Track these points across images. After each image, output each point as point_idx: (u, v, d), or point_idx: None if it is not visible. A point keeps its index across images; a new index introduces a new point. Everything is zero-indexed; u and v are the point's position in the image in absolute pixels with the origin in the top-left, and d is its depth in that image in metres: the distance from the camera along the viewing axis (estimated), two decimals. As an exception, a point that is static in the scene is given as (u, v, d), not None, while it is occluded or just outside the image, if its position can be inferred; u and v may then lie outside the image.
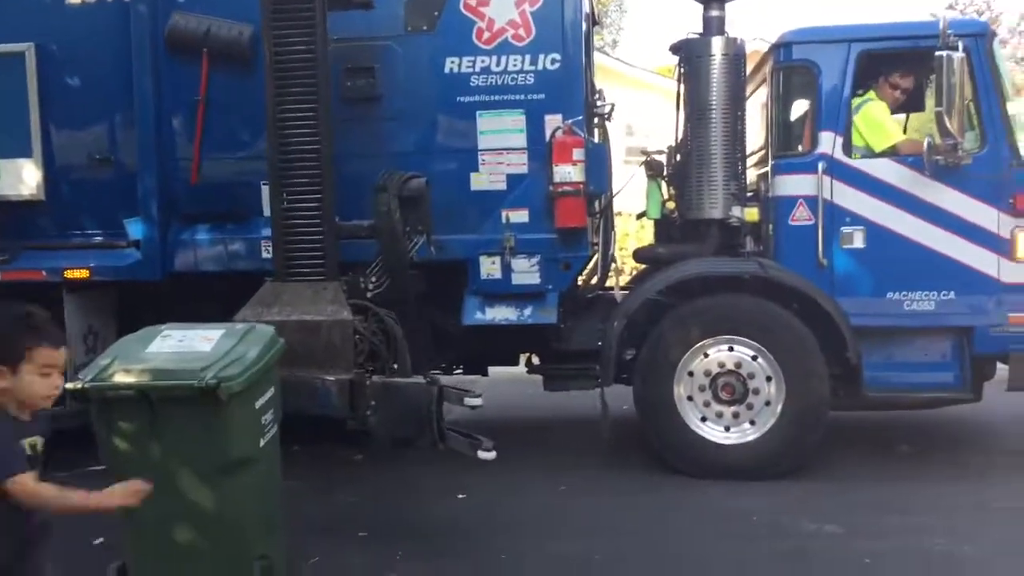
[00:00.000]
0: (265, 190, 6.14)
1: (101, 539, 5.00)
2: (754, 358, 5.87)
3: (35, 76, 6.13)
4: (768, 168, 6.22)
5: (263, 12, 5.53)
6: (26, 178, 6.21)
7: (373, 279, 5.73)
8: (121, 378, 3.80)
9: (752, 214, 6.18)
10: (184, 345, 4.03)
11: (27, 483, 2.71)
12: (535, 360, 6.89)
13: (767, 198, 6.20)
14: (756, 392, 5.88)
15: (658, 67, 17.75)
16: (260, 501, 4.08)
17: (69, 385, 3.83)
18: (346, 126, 5.91)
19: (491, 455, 4.94)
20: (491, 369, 7.38)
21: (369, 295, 5.68)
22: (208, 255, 6.28)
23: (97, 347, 6.53)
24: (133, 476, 3.87)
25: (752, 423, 5.90)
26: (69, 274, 6.17)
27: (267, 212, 6.19)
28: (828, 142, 5.97)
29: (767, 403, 5.87)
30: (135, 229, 6.17)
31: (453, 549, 4.88)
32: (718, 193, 6.28)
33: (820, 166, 5.91)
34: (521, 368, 7.33)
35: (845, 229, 5.93)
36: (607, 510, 5.51)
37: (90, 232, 6.40)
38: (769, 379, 5.85)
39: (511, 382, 9.10)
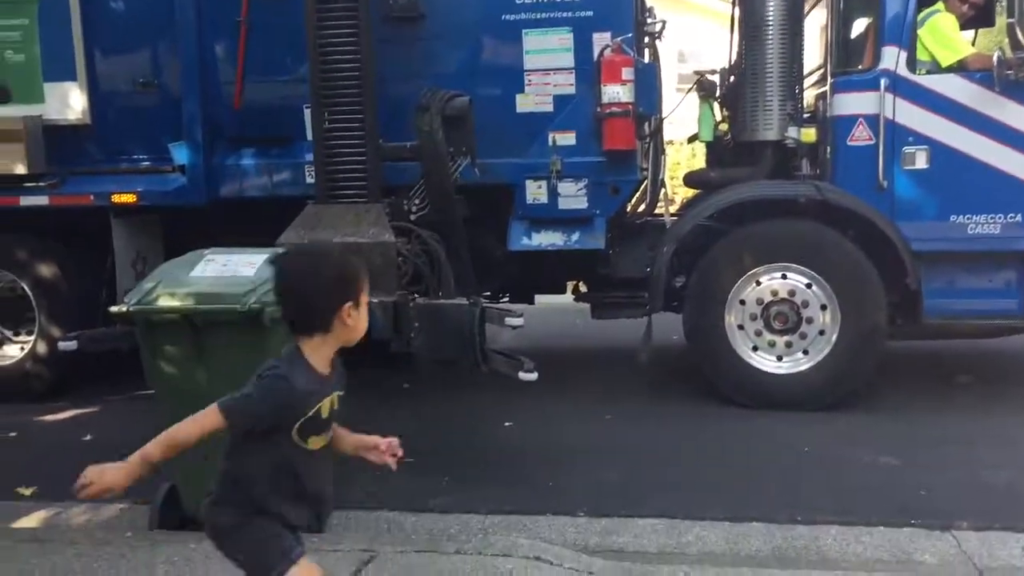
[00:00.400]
0: (308, 113, 6.04)
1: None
2: (808, 286, 5.69)
3: (77, -2, 6.06)
4: (826, 87, 5.94)
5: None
6: (72, 102, 6.20)
7: (416, 201, 5.61)
8: (165, 302, 3.80)
9: (809, 135, 5.92)
10: (227, 269, 4.00)
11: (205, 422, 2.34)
12: (582, 288, 6.79)
13: (825, 118, 5.93)
14: (810, 321, 5.71)
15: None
16: None
17: (114, 308, 3.84)
18: (388, 46, 5.75)
19: (533, 376, 4.83)
20: (537, 297, 7.30)
21: (412, 218, 5.58)
22: (252, 180, 6.23)
23: (145, 273, 6.56)
24: (178, 398, 3.89)
25: (805, 353, 5.74)
26: (116, 199, 6.17)
27: (310, 136, 6.10)
28: (891, 57, 5.65)
29: (821, 332, 5.70)
30: (180, 154, 6.13)
31: (499, 476, 4.85)
32: (773, 114, 6.03)
33: (882, 83, 5.61)
34: (568, 297, 7.25)
35: (907, 149, 5.64)
36: (654, 439, 5.43)
37: (136, 157, 6.38)
38: (824, 307, 5.67)
39: (557, 311, 9.05)
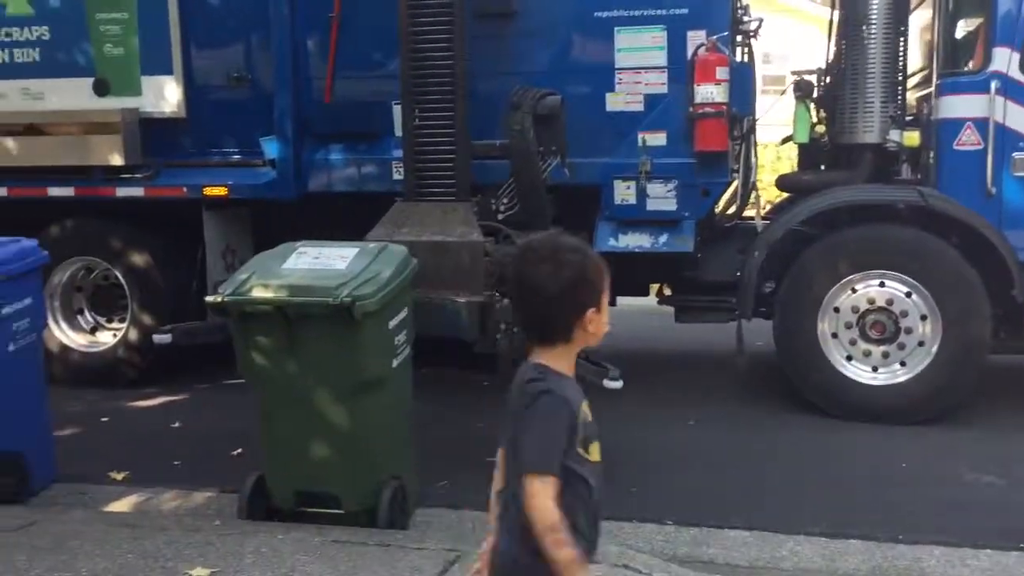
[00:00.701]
0: (397, 110, 6.05)
1: (239, 450, 5.13)
2: (908, 295, 5.48)
3: (176, -7, 6.17)
4: (931, 88, 5.72)
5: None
6: (168, 95, 6.31)
7: (504, 201, 5.56)
8: (259, 293, 3.82)
9: (912, 138, 5.70)
10: (319, 262, 4.02)
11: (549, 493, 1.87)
12: (666, 291, 6.66)
13: (929, 121, 5.70)
14: (909, 331, 5.50)
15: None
16: (392, 422, 4.10)
17: (209, 298, 3.88)
18: (479, 43, 5.69)
19: (618, 384, 4.72)
20: (619, 299, 7.19)
21: (500, 217, 5.53)
22: (341, 175, 6.27)
23: (235, 264, 6.67)
24: (269, 389, 3.92)
25: (903, 364, 5.53)
26: (208, 191, 6.27)
27: (399, 132, 6.11)
28: (1003, 59, 5.40)
29: (920, 343, 5.49)
30: (271, 148, 6.19)
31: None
32: (874, 116, 5.83)
33: (993, 85, 5.36)
34: (650, 299, 7.13)
35: (1018, 155, 5.39)
36: (740, 447, 5.29)
37: (228, 150, 6.48)
38: (924, 318, 5.46)
39: (636, 313, 8.92)
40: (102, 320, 6.80)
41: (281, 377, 3.86)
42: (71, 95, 6.38)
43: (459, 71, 5.35)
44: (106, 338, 6.70)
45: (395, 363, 4.04)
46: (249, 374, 3.94)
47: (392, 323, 3.99)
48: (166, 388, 6.53)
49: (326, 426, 3.86)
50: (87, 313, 6.80)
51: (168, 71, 6.28)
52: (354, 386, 3.84)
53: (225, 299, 3.82)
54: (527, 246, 2.01)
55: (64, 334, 6.61)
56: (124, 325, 6.59)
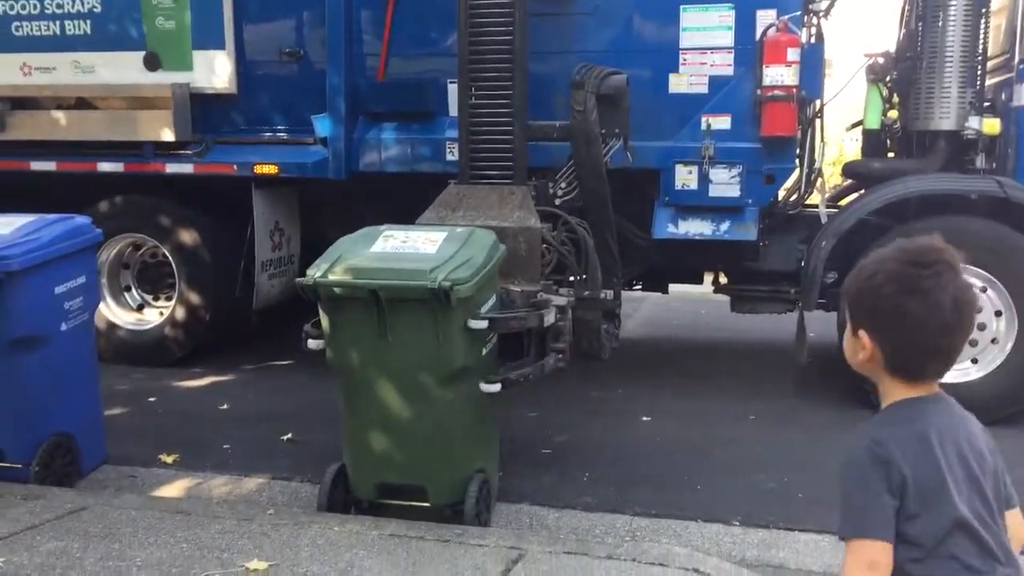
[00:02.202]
0: (452, 89, 5.90)
1: (289, 434, 5.04)
2: (983, 290, 5.25)
3: (229, -35, 6.03)
4: (1012, 74, 5.45)
5: None
6: (219, 70, 6.19)
7: (563, 185, 5.37)
8: (349, 277, 3.69)
9: (992, 126, 5.45)
10: (408, 246, 3.89)
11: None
12: (722, 279, 6.47)
13: (1009, 108, 5.44)
14: (982, 327, 5.27)
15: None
16: (480, 412, 3.96)
17: (299, 280, 3.77)
18: (537, 21, 5.51)
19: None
20: (672, 287, 7.02)
21: (557, 202, 5.35)
22: (392, 155, 6.12)
23: (283, 244, 6.59)
24: (356, 376, 3.77)
25: (974, 361, 5.31)
26: (259, 169, 6.16)
27: (453, 112, 5.96)
28: (1091, 44, 5.14)
29: (994, 340, 5.27)
30: (322, 126, 6.06)
31: (642, 476, 4.61)
32: (951, 102, 5.58)
33: (1080, 72, 5.11)
34: (703, 287, 6.95)
35: (1106, 146, 5.14)
36: (801, 444, 5.10)
37: (278, 128, 6.36)
38: (999, 313, 5.24)
39: (683, 300, 8.75)
40: (148, 298, 6.74)
41: (369, 363, 3.73)
42: (122, 69, 6.27)
43: (519, 47, 5.15)
44: (153, 316, 6.64)
45: (484, 351, 3.90)
46: (335, 359, 3.81)
47: (483, 309, 3.85)
48: (212, 368, 6.46)
49: (414, 415, 3.74)
50: (134, 290, 6.75)
51: (220, 46, 6.16)
52: (445, 374, 3.70)
53: (316, 281, 3.69)
54: (954, 264, 1.62)
55: (111, 311, 6.55)
56: (171, 303, 6.52)
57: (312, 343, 3.89)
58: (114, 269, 6.63)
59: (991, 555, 1.61)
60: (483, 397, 3.89)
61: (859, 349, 1.69)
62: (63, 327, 4.21)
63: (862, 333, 1.67)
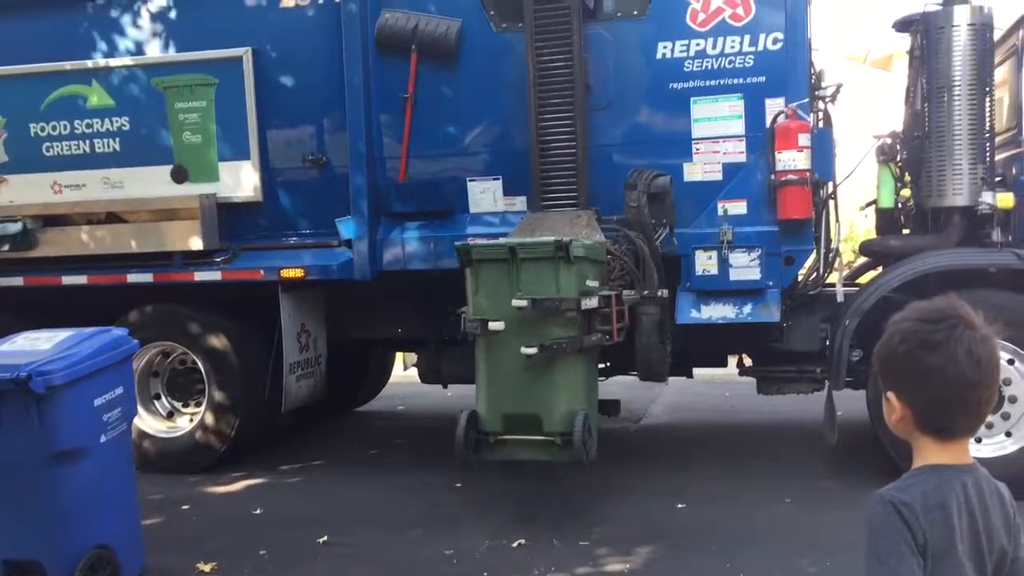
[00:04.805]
0: (472, 186, 6.10)
1: (325, 537, 5.03)
2: (1010, 362, 5.26)
3: (252, 79, 6.25)
4: (1021, 148, 5.56)
5: (527, 28, 5.81)
6: (244, 180, 6.37)
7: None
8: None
9: (1006, 200, 5.54)
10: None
11: None
12: (747, 361, 6.49)
13: (1021, 182, 5.54)
14: (1013, 400, 5.27)
15: (847, 55, 16.87)
16: (584, 367, 5.05)
17: (458, 244, 5.16)
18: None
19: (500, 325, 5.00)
20: (696, 371, 7.03)
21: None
22: (415, 253, 6.24)
23: (310, 345, 6.67)
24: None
25: (1008, 435, 5.29)
26: (285, 273, 6.28)
27: (473, 209, 6.12)
28: (1097, 116, 5.26)
29: (1026, 413, 5.24)
30: (346, 228, 6.20)
31: (683, 563, 4.57)
32: (963, 178, 5.68)
33: (1088, 144, 5.21)
34: (728, 370, 6.96)
35: (1120, 214, 5.21)
36: (839, 525, 5.02)
37: (303, 232, 6.49)
38: (1029, 385, 5.23)
39: (707, 383, 8.75)
40: (178, 405, 6.78)
41: (507, 343, 4.84)
42: (150, 183, 6.47)
43: (579, 84, 5.75)
44: (183, 423, 6.67)
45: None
46: (475, 316, 4.90)
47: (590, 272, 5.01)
48: (244, 472, 6.47)
49: (534, 362, 4.80)
50: (164, 398, 6.79)
51: (245, 156, 6.34)
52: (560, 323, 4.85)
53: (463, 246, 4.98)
54: (969, 319, 1.66)
55: (142, 420, 6.56)
56: (201, 409, 6.56)
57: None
58: (144, 378, 6.68)
59: None
60: (588, 357, 5.10)
61: (892, 411, 1.73)
62: (102, 439, 4.25)
63: (891, 395, 1.72)
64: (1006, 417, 5.29)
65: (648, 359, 5.65)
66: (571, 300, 4.87)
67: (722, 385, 8.78)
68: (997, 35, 5.96)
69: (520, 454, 5.06)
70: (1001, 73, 6.14)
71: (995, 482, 1.72)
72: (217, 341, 6.47)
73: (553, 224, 5.64)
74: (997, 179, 5.84)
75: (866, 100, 13.26)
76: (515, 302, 4.81)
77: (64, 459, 4.07)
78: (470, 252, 4.94)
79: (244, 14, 6.36)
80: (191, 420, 6.62)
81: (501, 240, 5.08)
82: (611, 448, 7.12)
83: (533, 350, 4.79)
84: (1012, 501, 1.72)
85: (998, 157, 5.97)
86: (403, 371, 9.88)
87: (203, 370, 6.52)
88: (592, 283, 5.02)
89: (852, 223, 12.33)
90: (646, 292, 5.52)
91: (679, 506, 5.44)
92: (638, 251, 5.55)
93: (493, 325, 4.88)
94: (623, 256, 5.53)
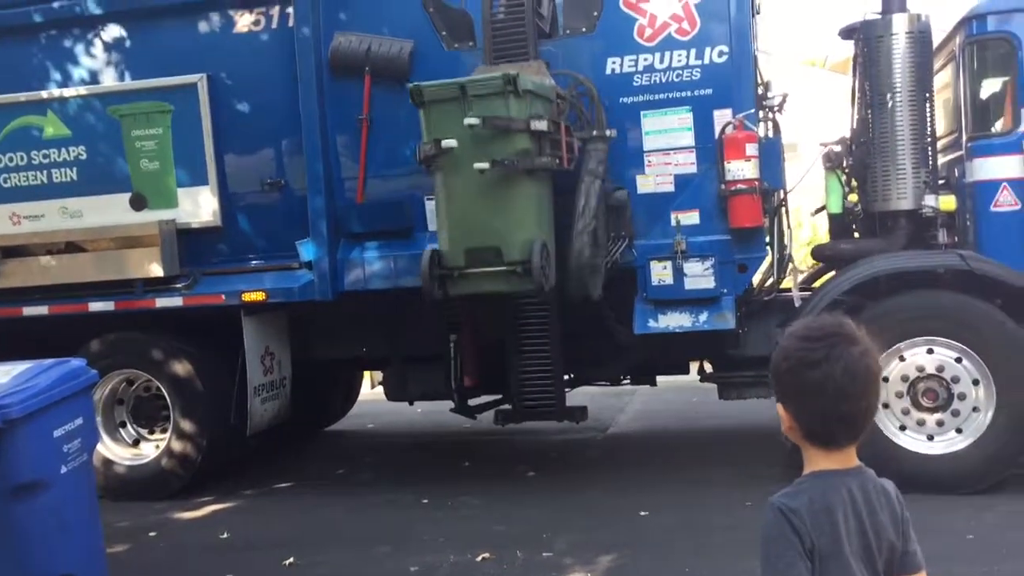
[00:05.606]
0: (429, 205, 6.14)
1: (291, 559, 5.04)
2: (958, 360, 5.39)
3: (208, 105, 6.30)
4: (962, 152, 5.72)
5: (486, 51, 5.94)
6: (203, 206, 6.40)
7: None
8: None
9: (948, 203, 5.70)
10: None
11: None
12: (707, 367, 6.60)
13: (963, 184, 5.70)
14: (962, 397, 5.40)
15: (804, 59, 17.09)
16: (539, 193, 5.35)
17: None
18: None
19: None
20: (659, 378, 7.14)
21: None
22: (375, 272, 6.29)
23: (274, 367, 6.69)
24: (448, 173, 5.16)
25: (959, 431, 5.42)
26: (247, 297, 6.31)
27: (431, 227, 6.18)
28: (1034, 119, 5.43)
29: (975, 409, 5.38)
30: (307, 250, 6.25)
31: (643, 571, 4.65)
32: (907, 182, 5.84)
33: (1025, 145, 5.38)
34: (691, 376, 7.06)
35: (1061, 213, 5.37)
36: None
37: (264, 255, 6.53)
38: (976, 383, 5.36)
39: (674, 389, 8.85)
40: (144, 432, 6.77)
41: (461, 166, 5.10)
42: (109, 211, 6.48)
43: None
44: (149, 450, 6.67)
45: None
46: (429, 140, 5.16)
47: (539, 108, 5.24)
48: (211, 496, 6.47)
49: (493, 200, 5.08)
50: (129, 426, 6.77)
51: (203, 181, 6.38)
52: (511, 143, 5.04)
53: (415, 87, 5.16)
54: (850, 335, 1.77)
55: (107, 448, 6.56)
56: (166, 435, 6.56)
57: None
58: (108, 406, 6.67)
59: None
60: (541, 188, 5.34)
61: (782, 421, 1.84)
62: (63, 469, 4.26)
63: (779, 407, 1.83)
64: (956, 414, 5.42)
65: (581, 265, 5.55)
66: (521, 120, 5.06)
67: (688, 391, 8.88)
68: (937, 40, 6.14)
69: (483, 286, 5.33)
70: (942, 78, 6.31)
71: (881, 482, 1.82)
72: (180, 367, 6.48)
73: (505, 70, 5.50)
74: (940, 182, 6.00)
75: (824, 104, 13.46)
76: (467, 120, 5.01)
77: (24, 491, 4.07)
78: (422, 92, 5.15)
79: (198, 41, 6.41)
80: (157, 447, 6.62)
81: (451, 80, 5.26)
82: (577, 458, 7.23)
83: (485, 165, 5.03)
84: (899, 498, 1.83)
85: (941, 161, 6.13)
86: (371, 389, 9.91)
87: (167, 396, 6.52)
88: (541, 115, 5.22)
89: (815, 226, 12.54)
90: (595, 132, 5.67)
91: (642, 514, 5.52)
92: (589, 91, 5.77)
93: (446, 142, 5.11)
94: (571, 98, 5.70)
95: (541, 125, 5.14)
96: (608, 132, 5.71)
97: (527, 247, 5.14)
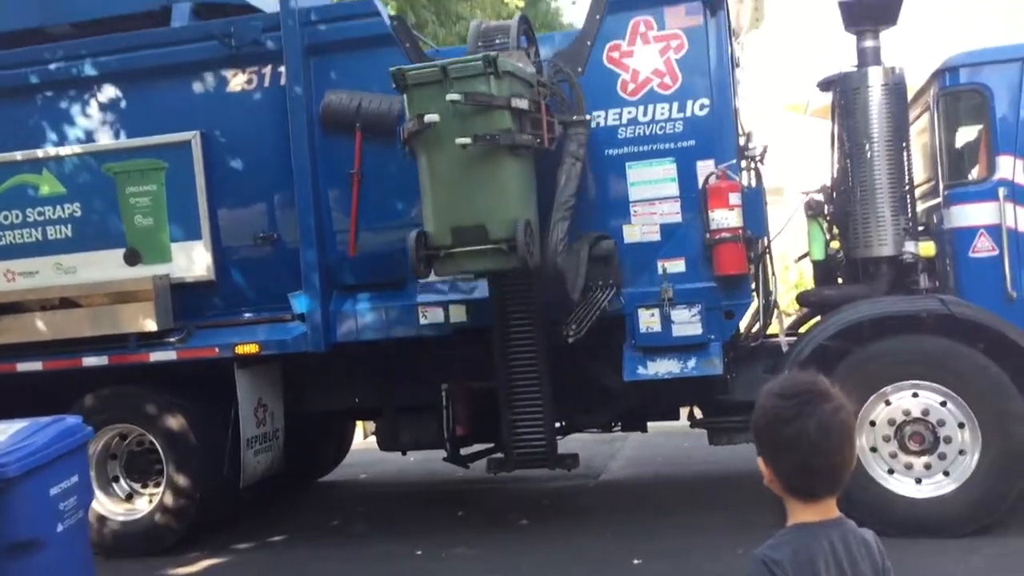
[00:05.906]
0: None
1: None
2: (943, 403, 5.47)
3: (201, 162, 6.41)
4: (940, 199, 5.86)
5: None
6: (197, 260, 6.48)
7: (572, 327, 5.83)
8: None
9: (928, 248, 5.83)
10: None
11: None
12: (697, 413, 6.67)
13: (942, 231, 5.83)
14: (948, 440, 5.47)
15: (786, 104, 17.35)
16: (524, 172, 5.45)
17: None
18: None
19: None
20: (650, 424, 7.19)
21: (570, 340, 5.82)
22: (367, 323, 6.36)
23: (267, 419, 6.73)
24: (432, 157, 5.23)
25: (946, 474, 5.48)
26: (240, 350, 6.37)
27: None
28: (1007, 166, 5.60)
29: (961, 452, 5.45)
30: (299, 303, 6.32)
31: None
32: (887, 229, 5.97)
33: (1000, 192, 5.53)
34: (681, 422, 7.12)
35: (1037, 258, 5.50)
36: None
37: (257, 308, 6.59)
38: (962, 425, 5.44)
39: (666, 435, 8.88)
40: (137, 486, 6.76)
41: (444, 143, 5.13)
42: (103, 266, 6.55)
43: None
44: (142, 504, 6.65)
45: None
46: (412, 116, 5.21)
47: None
48: (206, 551, 6.45)
49: (477, 179, 5.16)
50: (122, 480, 6.77)
51: (197, 236, 6.46)
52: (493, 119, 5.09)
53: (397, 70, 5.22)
54: (823, 392, 1.86)
55: (100, 504, 6.53)
56: (160, 489, 6.56)
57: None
58: (101, 461, 6.65)
59: None
60: (524, 167, 5.43)
61: (763, 475, 1.92)
62: (59, 527, 4.30)
63: (760, 460, 1.92)
64: (943, 457, 5.48)
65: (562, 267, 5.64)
66: (502, 97, 5.14)
67: (679, 437, 8.91)
68: (912, 91, 6.31)
69: (470, 264, 5.44)
70: (919, 126, 6.48)
71: (861, 532, 1.90)
72: (173, 421, 6.50)
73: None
74: (920, 228, 6.14)
75: (807, 148, 13.68)
76: (449, 96, 5.09)
77: (21, 550, 4.11)
78: (405, 76, 5.22)
79: (192, 99, 6.54)
80: (150, 501, 6.61)
81: (433, 62, 5.43)
82: (569, 505, 7.26)
83: (468, 140, 5.09)
84: (880, 547, 1.90)
85: (920, 207, 6.28)
86: (363, 439, 9.93)
87: (160, 450, 6.54)
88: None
89: (802, 271, 12.68)
90: (575, 116, 5.78)
91: (635, 562, 5.55)
92: (568, 78, 5.89)
93: (428, 117, 5.16)
94: (552, 85, 5.82)
95: (522, 103, 5.24)
96: (588, 117, 5.86)
97: (512, 225, 5.21)
